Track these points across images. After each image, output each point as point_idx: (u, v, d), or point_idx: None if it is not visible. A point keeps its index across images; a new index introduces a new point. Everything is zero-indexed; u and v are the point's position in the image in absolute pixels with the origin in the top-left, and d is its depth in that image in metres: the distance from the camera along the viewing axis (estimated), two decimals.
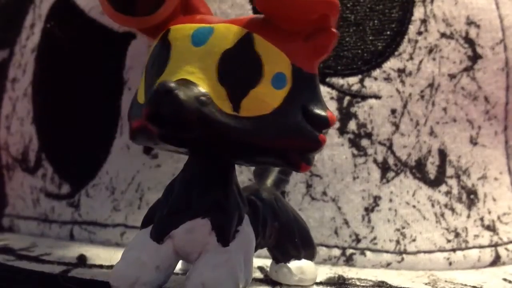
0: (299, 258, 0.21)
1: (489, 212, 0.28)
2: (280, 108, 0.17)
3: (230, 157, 0.18)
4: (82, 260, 0.24)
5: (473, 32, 0.28)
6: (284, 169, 0.22)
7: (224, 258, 0.17)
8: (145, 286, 0.17)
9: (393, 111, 0.27)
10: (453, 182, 0.28)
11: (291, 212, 0.21)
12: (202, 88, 0.16)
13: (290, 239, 0.20)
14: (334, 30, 0.17)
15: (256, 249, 0.19)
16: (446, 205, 0.28)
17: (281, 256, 0.21)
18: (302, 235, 0.21)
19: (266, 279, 0.22)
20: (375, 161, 0.27)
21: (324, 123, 0.17)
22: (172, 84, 0.16)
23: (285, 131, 0.17)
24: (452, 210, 0.28)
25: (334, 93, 0.27)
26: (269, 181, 0.22)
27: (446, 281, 0.24)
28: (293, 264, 0.20)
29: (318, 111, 0.17)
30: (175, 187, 0.18)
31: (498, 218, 0.29)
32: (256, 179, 0.23)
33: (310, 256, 0.21)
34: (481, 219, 0.28)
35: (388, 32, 0.27)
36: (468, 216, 0.28)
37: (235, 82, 0.17)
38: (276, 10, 0.17)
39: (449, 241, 0.27)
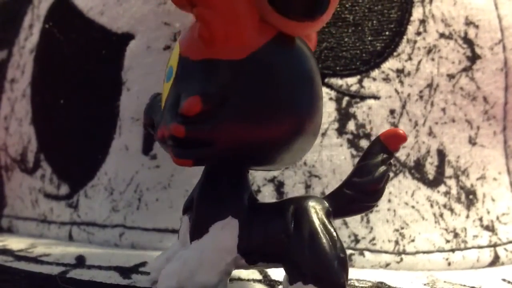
0: (304, 282, 0.17)
1: (488, 212, 0.28)
2: (166, 100, 0.17)
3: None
4: (81, 261, 0.24)
5: (472, 32, 0.28)
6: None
7: (181, 253, 0.18)
8: (157, 272, 0.19)
9: (392, 112, 0.27)
10: (452, 182, 0.28)
11: (309, 230, 0.17)
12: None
13: (295, 257, 0.17)
14: (200, 2, 0.15)
15: (253, 258, 0.18)
16: (445, 206, 0.28)
17: (287, 274, 0.18)
18: (315, 258, 0.17)
19: (265, 280, 0.22)
20: None
21: (182, 112, 0.16)
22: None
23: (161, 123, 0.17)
24: (451, 210, 0.28)
25: (333, 93, 0.27)
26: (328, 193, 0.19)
27: (445, 282, 0.24)
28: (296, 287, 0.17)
29: (182, 100, 0.16)
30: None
31: (497, 218, 0.29)
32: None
33: (321, 284, 0.17)
34: (480, 219, 0.28)
35: (387, 33, 0.27)
36: (467, 217, 0.28)
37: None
38: None
39: (448, 241, 0.27)
